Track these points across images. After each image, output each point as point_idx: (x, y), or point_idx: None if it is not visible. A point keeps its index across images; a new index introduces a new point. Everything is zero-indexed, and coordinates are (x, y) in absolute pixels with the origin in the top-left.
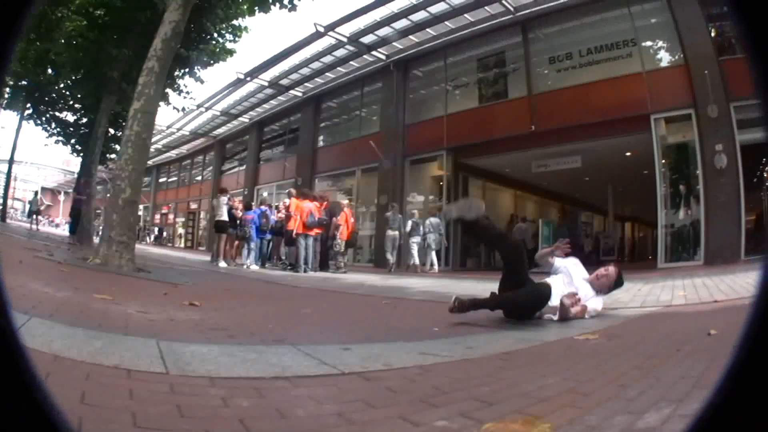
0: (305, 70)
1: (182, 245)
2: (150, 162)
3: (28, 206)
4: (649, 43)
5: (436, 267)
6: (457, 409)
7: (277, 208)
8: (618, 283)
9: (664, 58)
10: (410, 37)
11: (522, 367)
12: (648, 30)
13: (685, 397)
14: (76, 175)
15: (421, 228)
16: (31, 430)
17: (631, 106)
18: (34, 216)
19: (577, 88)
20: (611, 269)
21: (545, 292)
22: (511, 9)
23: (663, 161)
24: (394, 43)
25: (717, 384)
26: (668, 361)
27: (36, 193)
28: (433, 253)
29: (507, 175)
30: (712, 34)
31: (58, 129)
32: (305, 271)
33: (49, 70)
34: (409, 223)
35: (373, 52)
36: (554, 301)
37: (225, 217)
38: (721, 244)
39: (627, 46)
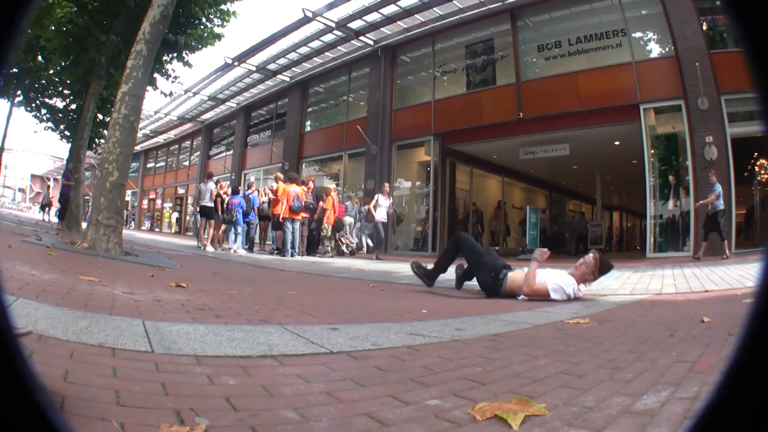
0: (293, 55)
1: (171, 231)
2: (137, 147)
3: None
4: (639, 34)
5: (364, 249)
6: (449, 389)
7: (257, 191)
8: (604, 269)
9: (654, 49)
10: (398, 22)
11: (513, 349)
12: (638, 21)
13: (682, 380)
14: (65, 162)
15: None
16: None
17: (620, 95)
18: (46, 208)
19: (566, 77)
20: (589, 256)
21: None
22: None
23: (652, 151)
24: (382, 29)
25: (718, 383)
26: (662, 345)
27: (48, 188)
28: (364, 237)
29: (494, 162)
30: (704, 27)
31: (48, 115)
32: (292, 255)
33: (39, 57)
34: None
35: (361, 38)
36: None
37: (211, 203)
38: (711, 236)
39: (617, 36)
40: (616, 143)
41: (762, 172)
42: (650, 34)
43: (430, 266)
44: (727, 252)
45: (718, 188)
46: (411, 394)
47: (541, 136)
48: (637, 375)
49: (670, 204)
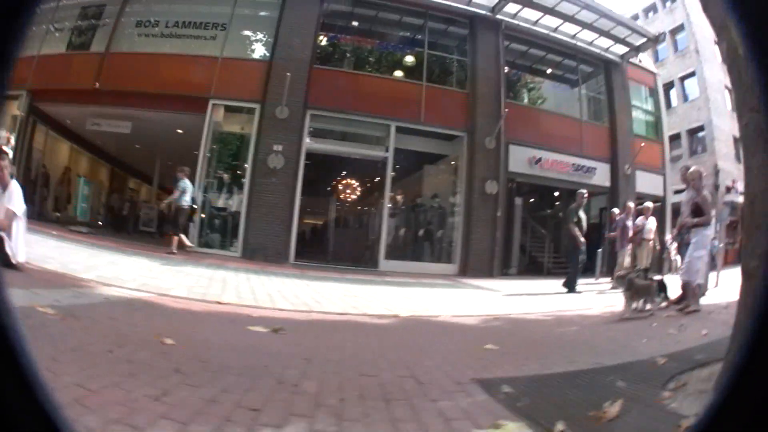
0: None
1: None
2: None
3: None
4: (247, 33)
5: None
6: None
7: None
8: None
9: (258, 50)
10: None
11: None
12: (250, 20)
13: None
14: None
15: None
16: (31, 427)
17: (195, 86)
18: None
19: (149, 57)
20: None
21: None
22: None
23: (214, 147)
24: None
25: (720, 383)
26: None
27: None
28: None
29: (68, 127)
30: (322, 42)
31: None
32: None
33: None
34: None
35: None
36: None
37: None
38: (262, 242)
39: (215, 29)
40: (180, 131)
41: (346, 190)
42: (259, 36)
43: None
44: (174, 248)
45: (182, 185)
46: None
47: (110, 109)
48: None
49: (221, 201)
